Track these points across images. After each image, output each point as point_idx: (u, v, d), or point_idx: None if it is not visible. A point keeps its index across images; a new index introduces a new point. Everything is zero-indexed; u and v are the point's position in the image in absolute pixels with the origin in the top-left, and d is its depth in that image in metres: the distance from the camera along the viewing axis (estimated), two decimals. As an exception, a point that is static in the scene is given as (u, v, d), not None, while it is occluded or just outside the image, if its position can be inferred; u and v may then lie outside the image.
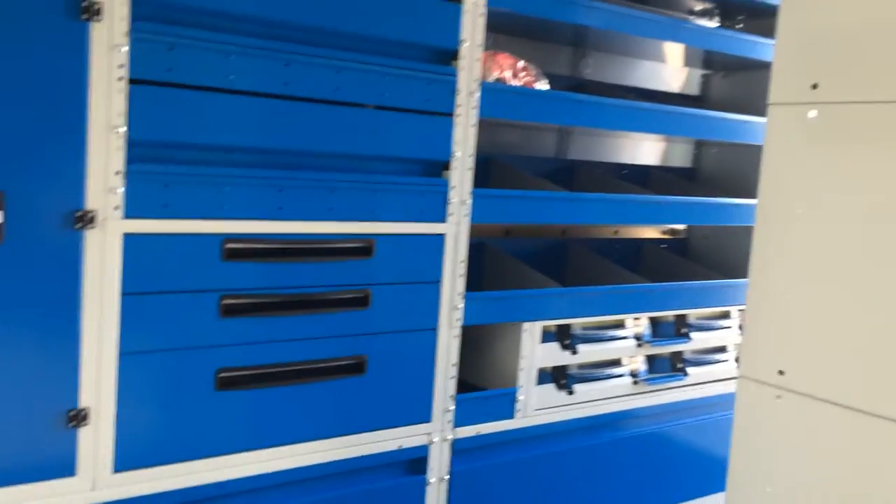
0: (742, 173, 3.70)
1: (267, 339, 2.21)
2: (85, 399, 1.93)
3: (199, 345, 2.09)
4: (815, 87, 1.35)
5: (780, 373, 1.41)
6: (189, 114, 1.99)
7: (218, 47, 2.01)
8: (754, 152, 3.50)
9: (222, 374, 2.14)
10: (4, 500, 1.86)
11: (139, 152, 1.93)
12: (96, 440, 1.96)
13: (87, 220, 1.86)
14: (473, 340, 2.85)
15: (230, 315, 2.13)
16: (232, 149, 2.10)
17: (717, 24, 3.72)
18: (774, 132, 1.41)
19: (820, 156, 1.33)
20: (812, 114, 1.34)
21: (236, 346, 2.16)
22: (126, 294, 1.95)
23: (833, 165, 1.32)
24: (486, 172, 3.08)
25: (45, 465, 1.90)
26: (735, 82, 3.78)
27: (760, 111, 3.46)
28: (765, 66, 3.42)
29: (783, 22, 1.42)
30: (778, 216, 1.40)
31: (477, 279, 2.95)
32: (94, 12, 1.80)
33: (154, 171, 1.96)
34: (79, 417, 1.92)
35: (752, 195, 3.46)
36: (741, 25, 3.70)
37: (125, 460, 2.01)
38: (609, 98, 2.95)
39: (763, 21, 3.57)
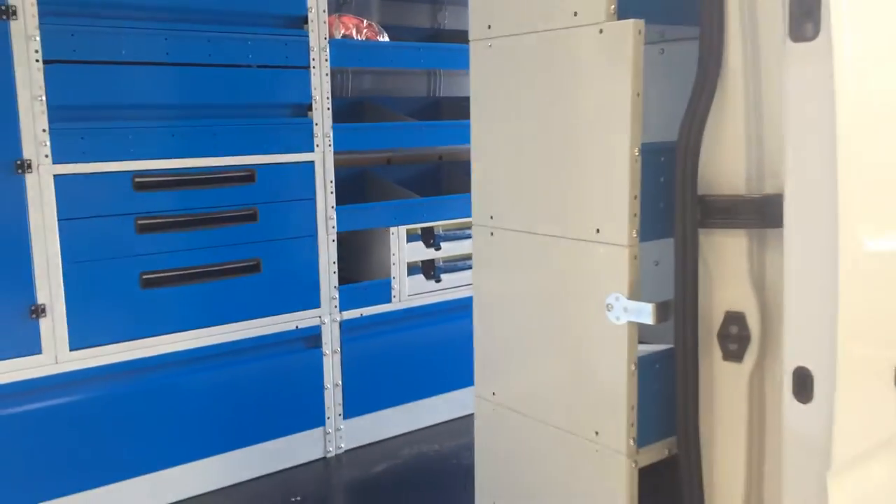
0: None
1: (178, 248, 2.94)
2: (41, 298, 2.65)
3: (123, 255, 2.81)
4: (489, 27, 2.07)
5: (491, 217, 2.16)
6: (93, 83, 2.69)
7: (109, 31, 2.70)
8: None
9: (145, 276, 2.87)
10: (-4, 370, 2.60)
11: (58, 114, 2.63)
12: (54, 327, 2.69)
13: (25, 166, 2.57)
14: (356, 248, 3.60)
15: (146, 232, 2.86)
16: (131, 107, 2.80)
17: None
18: (474, 58, 2.13)
19: (501, 70, 2.05)
20: (490, 45, 2.06)
21: (154, 255, 2.89)
22: (62, 220, 2.67)
23: (508, 74, 2.04)
24: (363, 111, 3.80)
25: (20, 346, 2.64)
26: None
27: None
28: None
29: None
30: (486, 111, 2.12)
31: (360, 200, 3.67)
32: (10, 13, 2.48)
33: (72, 128, 2.66)
34: (38, 311, 2.65)
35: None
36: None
37: (78, 341, 2.74)
38: (433, 43, 3.66)
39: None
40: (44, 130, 2.60)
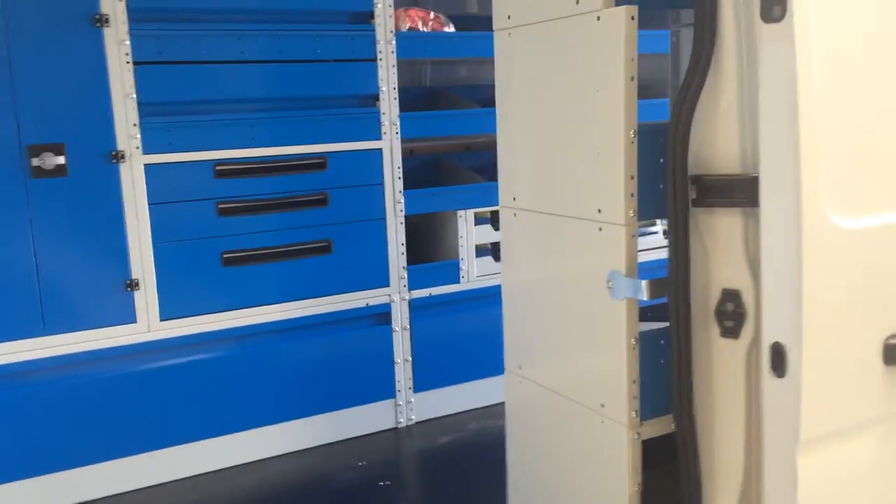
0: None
1: (255, 230, 3.22)
2: (135, 273, 3.00)
3: (206, 236, 3.12)
4: (509, 17, 2.17)
5: (513, 199, 2.28)
6: (177, 81, 3.00)
7: (190, 34, 3.00)
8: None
9: (226, 255, 3.17)
10: (97, 336, 2.97)
11: (147, 110, 2.96)
12: (147, 300, 3.03)
13: (119, 156, 2.91)
14: (427, 231, 3.78)
15: (226, 215, 3.15)
16: (211, 102, 3.10)
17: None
18: (497, 47, 2.24)
19: (518, 58, 2.15)
20: (510, 34, 2.16)
21: (234, 236, 3.18)
22: (152, 204, 3.00)
23: (523, 62, 2.14)
24: (438, 100, 3.96)
25: (118, 316, 3.00)
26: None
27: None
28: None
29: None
30: (507, 98, 2.23)
31: (435, 185, 3.82)
32: (104, 21, 2.82)
33: (159, 122, 2.98)
34: (132, 284, 3.00)
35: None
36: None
37: (168, 312, 3.08)
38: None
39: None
40: (135, 125, 2.93)
